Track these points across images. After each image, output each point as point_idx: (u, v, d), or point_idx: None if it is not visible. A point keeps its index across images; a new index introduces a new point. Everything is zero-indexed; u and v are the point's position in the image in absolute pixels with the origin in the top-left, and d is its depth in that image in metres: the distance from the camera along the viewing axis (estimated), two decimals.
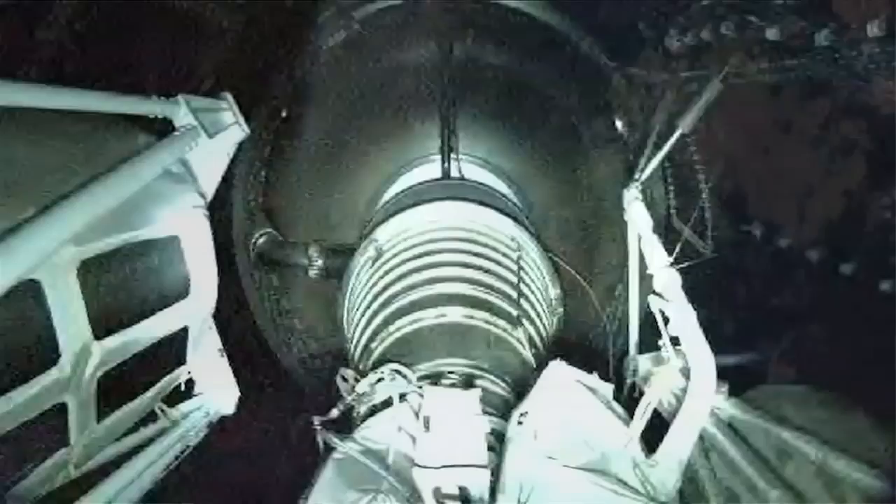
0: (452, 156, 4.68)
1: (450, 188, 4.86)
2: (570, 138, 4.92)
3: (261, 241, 4.44)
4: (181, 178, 3.11)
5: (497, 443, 2.69)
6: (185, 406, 3.41)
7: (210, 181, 3.34)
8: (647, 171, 3.30)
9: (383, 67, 4.46)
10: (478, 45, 4.39)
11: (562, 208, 5.07)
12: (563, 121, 4.85)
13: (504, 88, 4.72)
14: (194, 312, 3.15)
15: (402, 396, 2.88)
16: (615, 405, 2.70)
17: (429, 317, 3.70)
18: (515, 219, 4.54)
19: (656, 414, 2.72)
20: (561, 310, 4.61)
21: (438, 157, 4.74)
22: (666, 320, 2.76)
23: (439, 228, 4.32)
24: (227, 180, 3.55)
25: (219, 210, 3.49)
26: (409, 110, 4.68)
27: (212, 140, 3.11)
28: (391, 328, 3.77)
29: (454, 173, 4.75)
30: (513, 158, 4.93)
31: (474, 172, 4.93)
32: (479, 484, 2.35)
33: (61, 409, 2.36)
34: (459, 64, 4.30)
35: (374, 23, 3.95)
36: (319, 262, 4.50)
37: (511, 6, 4.11)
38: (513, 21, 4.29)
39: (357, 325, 4.17)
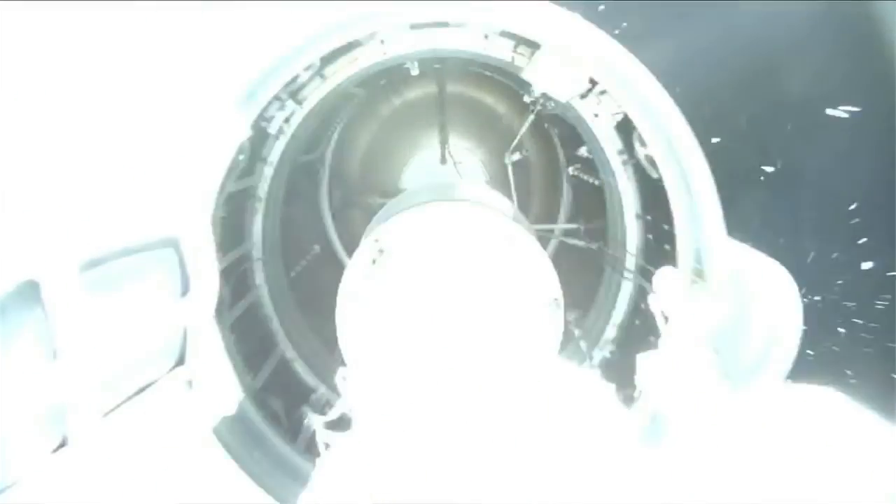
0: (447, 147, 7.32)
1: (450, 188, 4.91)
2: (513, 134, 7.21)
3: (337, 193, 7.42)
4: (181, 177, 3.11)
5: None
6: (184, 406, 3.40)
7: (210, 181, 3.33)
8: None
9: (407, 95, 7.52)
10: (462, 85, 7.32)
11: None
12: (509, 124, 7.36)
13: (478, 110, 7.50)
14: (194, 312, 3.15)
15: None
16: (615, 405, 2.70)
17: None
18: (513, 217, 4.54)
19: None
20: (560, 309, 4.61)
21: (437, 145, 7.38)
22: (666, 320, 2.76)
23: (440, 229, 4.32)
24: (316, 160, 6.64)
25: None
26: (420, 120, 7.43)
27: (212, 140, 3.11)
28: None
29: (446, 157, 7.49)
30: (484, 151, 7.56)
31: (461, 155, 7.48)
32: None
33: (62, 408, 2.36)
34: (450, 96, 7.27)
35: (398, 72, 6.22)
36: (380, 201, 6.83)
37: (483, 67, 6.02)
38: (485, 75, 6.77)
39: None
